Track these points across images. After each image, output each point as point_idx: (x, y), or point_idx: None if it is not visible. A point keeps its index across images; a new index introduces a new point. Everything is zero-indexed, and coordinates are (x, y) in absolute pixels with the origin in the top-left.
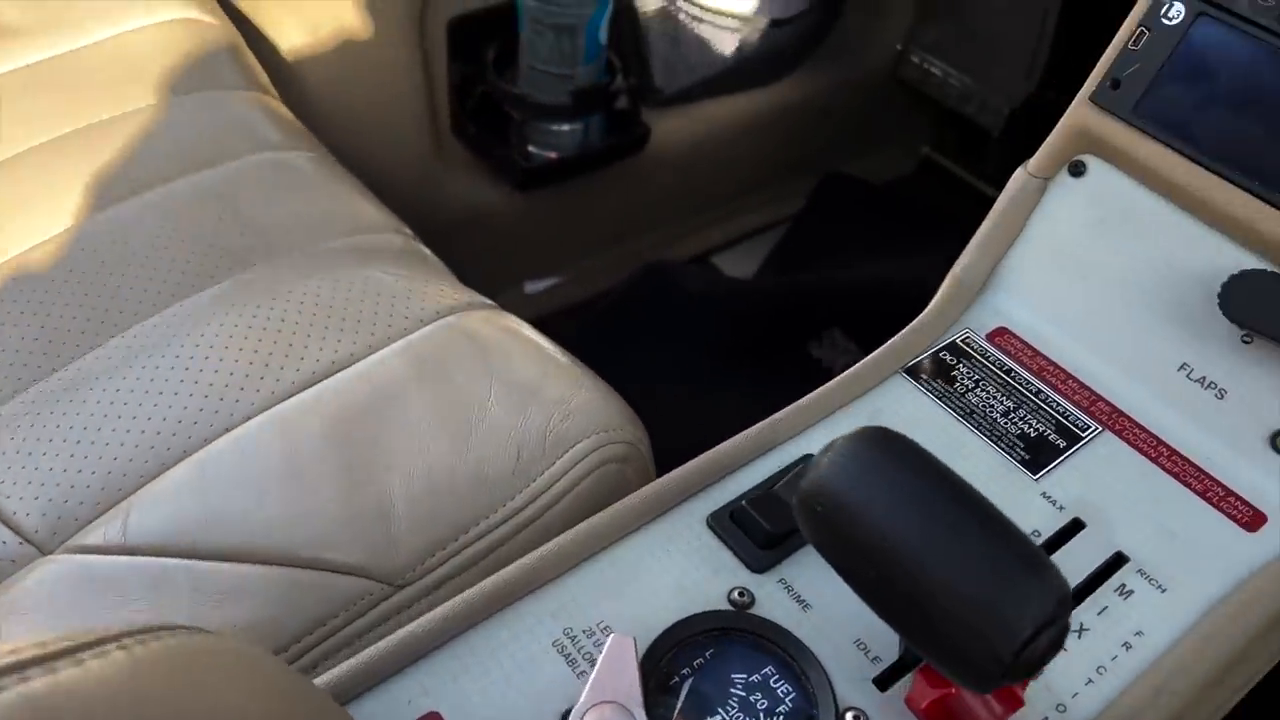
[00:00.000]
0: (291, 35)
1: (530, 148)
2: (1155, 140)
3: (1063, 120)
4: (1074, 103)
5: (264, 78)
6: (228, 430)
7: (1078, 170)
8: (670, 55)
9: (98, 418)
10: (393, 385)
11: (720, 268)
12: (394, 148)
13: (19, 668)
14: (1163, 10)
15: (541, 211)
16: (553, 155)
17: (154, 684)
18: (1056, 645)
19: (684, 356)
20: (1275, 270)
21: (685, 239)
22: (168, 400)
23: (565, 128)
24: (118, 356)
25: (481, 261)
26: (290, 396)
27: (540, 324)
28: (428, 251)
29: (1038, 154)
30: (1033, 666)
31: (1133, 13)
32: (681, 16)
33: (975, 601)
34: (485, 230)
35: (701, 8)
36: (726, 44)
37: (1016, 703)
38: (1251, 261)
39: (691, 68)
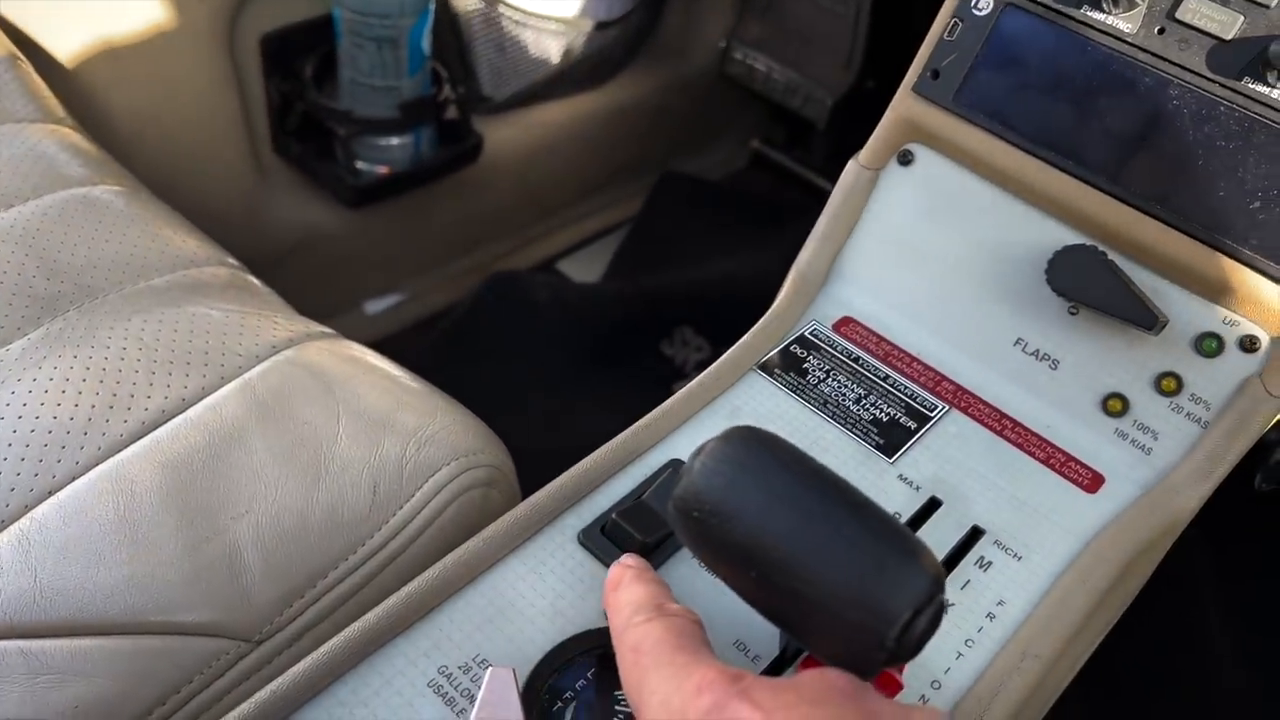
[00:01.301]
0: (87, 61)
1: (359, 164)
2: (976, 127)
3: (888, 112)
4: (898, 94)
5: (60, 109)
6: (51, 494)
7: (906, 159)
8: (497, 62)
9: None
10: (232, 428)
11: (566, 274)
12: (213, 173)
13: None
14: (973, 2)
15: (376, 229)
16: (384, 170)
17: None
18: (934, 625)
19: (539, 366)
20: (1093, 245)
21: (528, 248)
22: None
23: (395, 141)
24: None
25: (318, 284)
26: (119, 450)
27: (385, 344)
28: (257, 282)
29: (867, 145)
30: (914, 648)
31: (945, 4)
32: (505, 23)
33: (853, 592)
34: (319, 252)
35: (525, 13)
36: (553, 48)
37: (895, 686)
38: (1073, 238)
39: (519, 73)
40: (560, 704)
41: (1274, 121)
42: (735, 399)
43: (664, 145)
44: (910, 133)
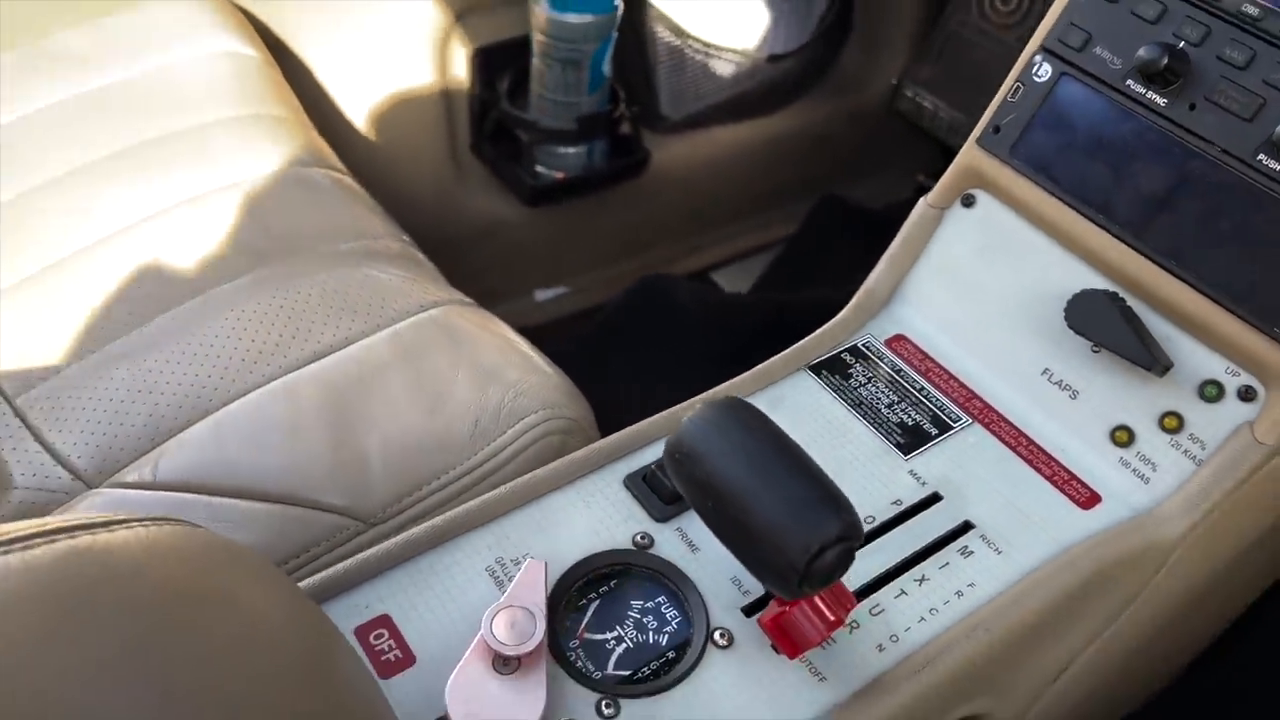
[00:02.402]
0: (326, 66)
1: (539, 167)
2: (1027, 179)
3: (957, 159)
4: (965, 144)
5: (297, 104)
6: (244, 395)
7: (969, 202)
8: (677, 85)
9: (140, 383)
10: (378, 364)
11: (718, 283)
12: (417, 165)
13: (67, 530)
14: (1034, 69)
15: (551, 226)
16: (559, 175)
17: (162, 557)
18: (843, 561)
19: (674, 361)
20: (1114, 291)
21: (687, 256)
22: (195, 370)
23: (570, 150)
24: (160, 334)
25: (497, 268)
26: (294, 370)
27: (548, 328)
28: (422, 256)
29: (936, 187)
30: (824, 577)
31: (1013, 70)
32: (688, 52)
33: (777, 525)
34: (501, 241)
35: (706, 44)
36: (729, 77)
37: (836, 622)
38: (1099, 282)
39: (697, 97)
40: (585, 601)
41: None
42: (781, 390)
43: (829, 172)
44: (973, 179)
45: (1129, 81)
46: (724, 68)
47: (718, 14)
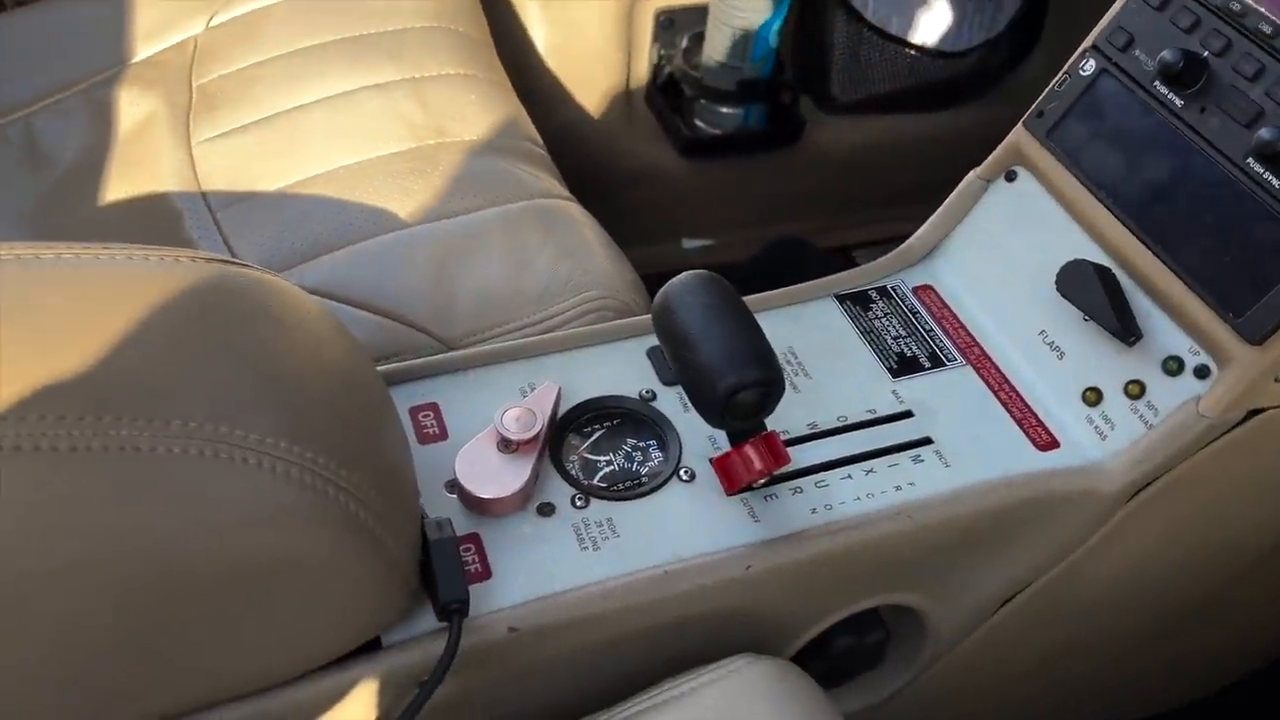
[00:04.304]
0: (523, 4)
1: (698, 122)
2: (1058, 161)
3: (1007, 138)
4: (1016, 126)
5: (486, 28)
6: (377, 235)
7: (1011, 177)
8: (848, 70)
9: (307, 214)
10: (483, 232)
11: (856, 260)
12: (595, 108)
13: (221, 261)
14: (1080, 64)
15: (706, 180)
16: (716, 132)
17: (280, 296)
18: (761, 402)
19: None
20: (1104, 265)
21: (831, 231)
22: (346, 212)
23: (727, 110)
24: (328, 181)
25: (651, 211)
26: (420, 225)
27: None
28: (550, 160)
29: (986, 162)
30: (744, 413)
31: (1067, 64)
32: (863, 38)
33: (713, 364)
34: (658, 187)
35: (880, 33)
36: (899, 69)
37: (765, 470)
38: (1101, 257)
39: (866, 84)
40: (590, 429)
41: (1259, 197)
42: (806, 309)
43: None
44: (1016, 157)
45: (1156, 82)
46: (897, 59)
47: (899, 6)
